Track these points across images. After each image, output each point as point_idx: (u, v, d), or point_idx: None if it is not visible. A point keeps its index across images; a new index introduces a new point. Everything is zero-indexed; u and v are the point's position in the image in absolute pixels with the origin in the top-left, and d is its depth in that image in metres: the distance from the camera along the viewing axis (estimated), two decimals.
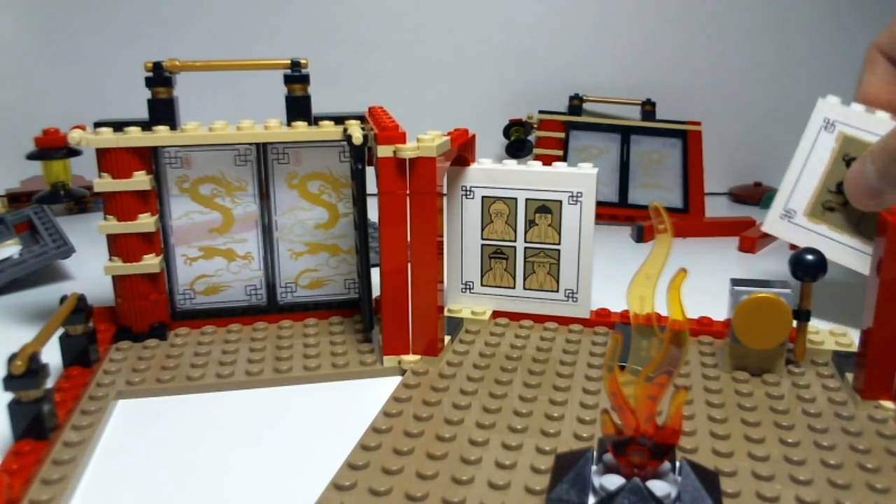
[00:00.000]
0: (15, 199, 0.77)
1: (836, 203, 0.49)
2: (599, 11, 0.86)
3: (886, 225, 0.37)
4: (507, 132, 0.83)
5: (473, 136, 0.49)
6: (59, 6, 0.83)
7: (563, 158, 0.80)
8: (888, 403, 0.38)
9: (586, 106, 0.82)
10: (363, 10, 0.85)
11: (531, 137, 0.83)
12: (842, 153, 0.49)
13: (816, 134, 0.50)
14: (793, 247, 0.51)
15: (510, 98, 0.87)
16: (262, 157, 0.47)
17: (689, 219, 0.77)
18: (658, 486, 0.28)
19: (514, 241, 0.48)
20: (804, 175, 0.50)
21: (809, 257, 0.41)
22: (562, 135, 0.81)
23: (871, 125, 0.48)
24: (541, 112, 0.82)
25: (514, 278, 0.49)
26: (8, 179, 0.80)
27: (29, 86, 0.84)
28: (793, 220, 0.50)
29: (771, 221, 0.52)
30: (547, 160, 0.49)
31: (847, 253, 0.49)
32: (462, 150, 0.46)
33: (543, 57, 0.87)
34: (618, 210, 0.78)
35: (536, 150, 0.82)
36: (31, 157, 0.44)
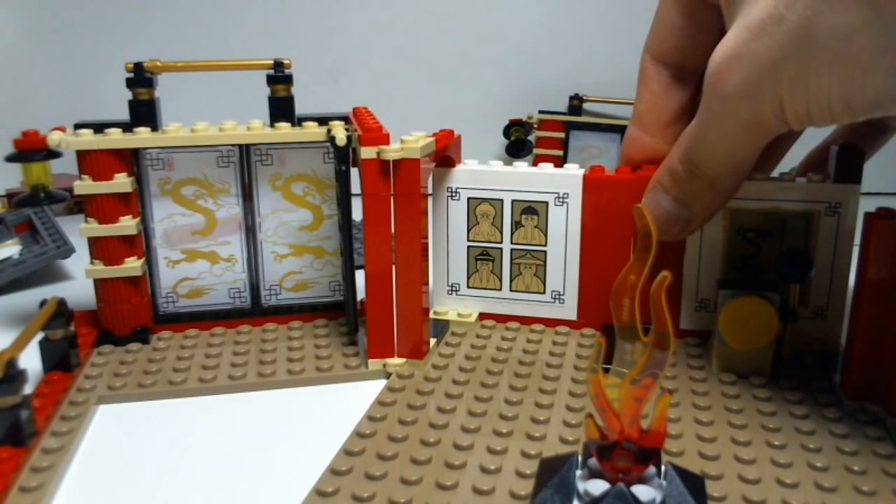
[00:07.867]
0: (22, 201, 0.76)
1: None
2: (600, 11, 0.86)
3: (871, 225, 0.37)
4: (507, 132, 0.83)
5: (459, 136, 0.48)
6: (44, 7, 0.82)
7: (564, 158, 0.80)
8: (874, 405, 0.38)
9: (586, 106, 0.82)
10: (363, 9, 0.84)
11: (531, 137, 0.83)
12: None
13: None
14: None
15: (510, 98, 0.87)
16: (245, 158, 0.46)
17: None
18: (643, 492, 0.27)
19: (501, 242, 0.48)
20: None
21: (797, 258, 0.41)
22: (562, 135, 0.81)
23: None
24: (541, 112, 0.82)
25: (501, 280, 0.48)
26: (8, 179, 0.79)
27: (29, 86, 0.83)
28: None
29: None
30: (547, 160, 0.49)
31: None
32: (447, 151, 0.45)
33: (543, 57, 0.87)
34: None
35: (536, 150, 0.82)
36: (9, 159, 0.43)
